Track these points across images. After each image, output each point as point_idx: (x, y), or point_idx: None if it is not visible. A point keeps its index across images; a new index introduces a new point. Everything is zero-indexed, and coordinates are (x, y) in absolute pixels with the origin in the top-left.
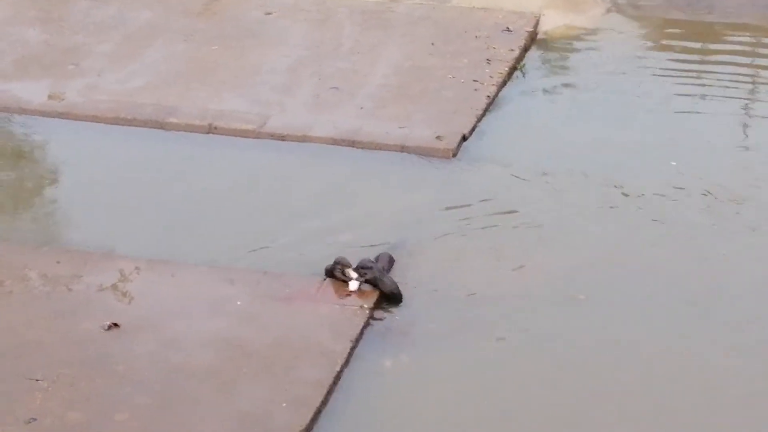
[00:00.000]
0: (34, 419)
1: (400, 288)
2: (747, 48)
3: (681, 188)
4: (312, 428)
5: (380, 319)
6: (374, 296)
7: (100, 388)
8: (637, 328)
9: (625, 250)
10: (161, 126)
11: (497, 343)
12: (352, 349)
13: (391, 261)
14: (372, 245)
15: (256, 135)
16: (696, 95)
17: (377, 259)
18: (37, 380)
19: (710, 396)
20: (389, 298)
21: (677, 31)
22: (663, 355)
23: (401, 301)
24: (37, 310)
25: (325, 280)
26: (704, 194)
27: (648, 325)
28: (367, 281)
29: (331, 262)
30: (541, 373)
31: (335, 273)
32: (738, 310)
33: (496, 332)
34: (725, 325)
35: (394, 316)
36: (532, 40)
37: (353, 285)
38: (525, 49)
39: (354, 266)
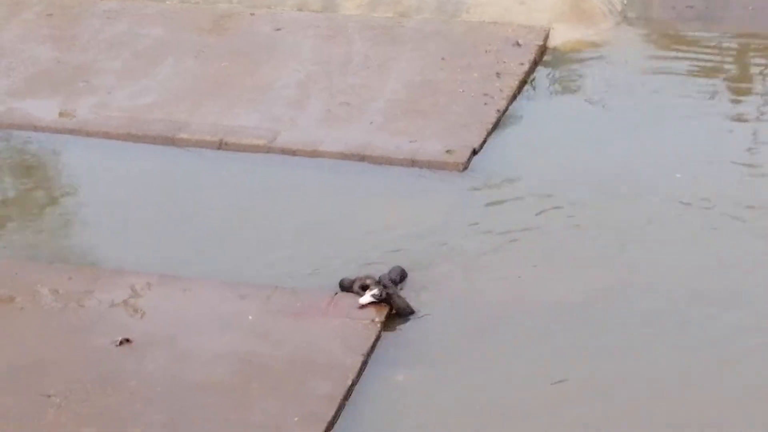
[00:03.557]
0: None
1: (412, 302)
2: (758, 59)
3: (691, 201)
4: None
5: (392, 333)
6: (385, 310)
7: (113, 404)
8: (658, 343)
9: (638, 264)
10: (172, 142)
11: (511, 357)
12: (364, 363)
13: (402, 274)
14: (384, 260)
15: (267, 150)
16: (707, 108)
17: (389, 272)
18: (49, 396)
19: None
20: (400, 313)
21: (687, 43)
22: (683, 370)
23: (413, 314)
24: (49, 326)
25: (336, 294)
26: (710, 206)
27: (671, 340)
28: (380, 299)
29: (345, 275)
30: (557, 389)
31: (354, 289)
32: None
33: (510, 346)
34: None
35: (407, 329)
36: (542, 54)
37: (365, 299)
38: (535, 63)
39: (373, 283)
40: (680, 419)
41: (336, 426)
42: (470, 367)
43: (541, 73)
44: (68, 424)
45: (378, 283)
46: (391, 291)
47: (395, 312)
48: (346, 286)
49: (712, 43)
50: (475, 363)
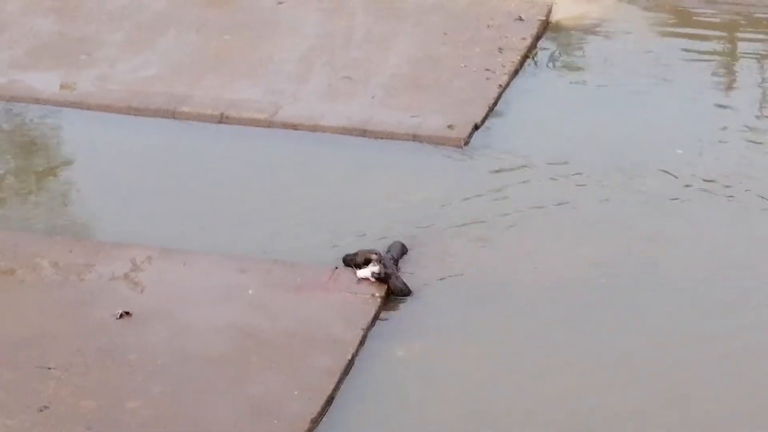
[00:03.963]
0: (47, 407)
1: (413, 277)
2: (760, 36)
3: (690, 177)
4: (323, 416)
5: (392, 308)
6: (386, 285)
7: (113, 377)
8: (663, 316)
9: (640, 237)
10: (173, 115)
11: (511, 332)
12: (364, 337)
13: (403, 249)
14: (384, 235)
15: (268, 124)
16: (708, 84)
17: (390, 248)
18: (49, 369)
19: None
20: (396, 293)
21: (689, 20)
22: (684, 341)
23: (409, 295)
24: (50, 298)
25: (336, 268)
26: (710, 183)
27: (675, 314)
28: (378, 278)
29: (345, 250)
30: (557, 363)
31: (357, 260)
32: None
33: (510, 321)
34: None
35: (407, 304)
36: (545, 28)
37: (363, 272)
38: (537, 38)
39: (376, 260)
40: (685, 402)
41: (335, 400)
42: (470, 342)
43: (543, 48)
44: (68, 397)
45: (380, 261)
46: (390, 271)
47: (391, 292)
48: (348, 261)
49: (716, 19)
50: (476, 338)
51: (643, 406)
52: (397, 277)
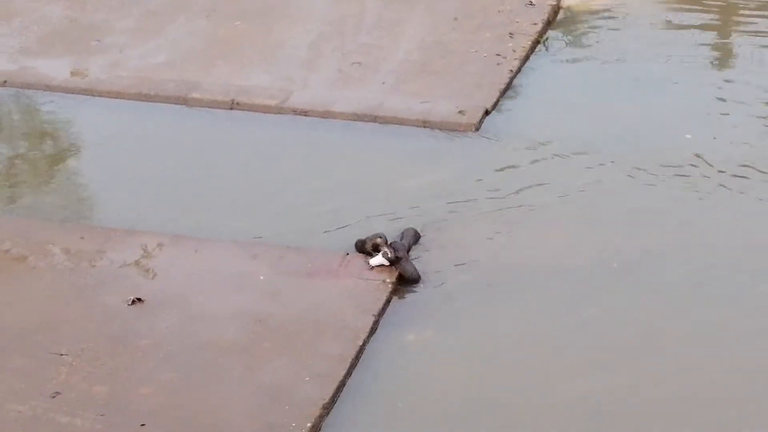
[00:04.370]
0: (59, 393)
1: (424, 262)
2: None
3: (701, 161)
4: (335, 402)
5: (403, 294)
6: (397, 271)
7: (125, 363)
8: (672, 300)
9: (651, 221)
10: (184, 102)
11: (522, 317)
12: (375, 323)
13: (416, 236)
14: (395, 220)
15: (279, 110)
16: (719, 68)
17: (403, 235)
18: (61, 355)
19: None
20: (406, 278)
21: (701, 3)
22: (695, 325)
23: (419, 281)
24: (61, 285)
25: (348, 254)
26: (725, 168)
27: (683, 298)
28: (390, 262)
29: (356, 236)
30: (568, 347)
31: (366, 247)
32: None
33: (521, 306)
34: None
35: (418, 290)
36: (555, 13)
37: (376, 260)
38: (548, 23)
39: (384, 244)
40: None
41: (347, 386)
42: (481, 328)
43: (554, 33)
44: (80, 383)
45: (389, 245)
46: (400, 255)
47: (402, 277)
48: (359, 247)
49: (726, 6)
50: (486, 323)
51: (658, 390)
52: (408, 261)
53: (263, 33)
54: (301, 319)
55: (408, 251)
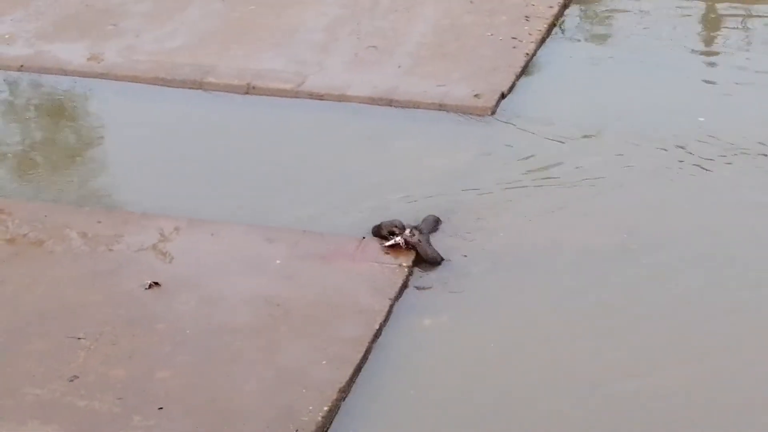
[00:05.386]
0: (77, 377)
1: (442, 245)
2: None
3: (721, 142)
4: (351, 385)
5: (419, 277)
6: (412, 255)
7: (142, 346)
8: (692, 282)
9: (672, 205)
10: (200, 86)
11: (540, 301)
12: (391, 307)
13: (437, 222)
14: (412, 205)
15: (295, 94)
16: (741, 52)
17: (423, 222)
18: (79, 338)
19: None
20: (429, 261)
21: None
22: (710, 308)
23: (440, 263)
24: (78, 269)
25: (364, 238)
26: (740, 152)
27: (701, 280)
28: (408, 245)
29: (372, 220)
30: (586, 332)
31: (381, 232)
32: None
33: (539, 290)
34: None
35: (434, 273)
36: None
37: (390, 242)
38: (564, 6)
39: (400, 228)
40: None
41: (363, 369)
42: (498, 312)
43: (570, 15)
44: (98, 366)
45: (404, 229)
46: (416, 239)
47: (422, 260)
48: (376, 232)
49: None
50: (503, 307)
51: (678, 376)
52: (429, 244)
53: (278, 16)
54: (318, 302)
55: (428, 237)
